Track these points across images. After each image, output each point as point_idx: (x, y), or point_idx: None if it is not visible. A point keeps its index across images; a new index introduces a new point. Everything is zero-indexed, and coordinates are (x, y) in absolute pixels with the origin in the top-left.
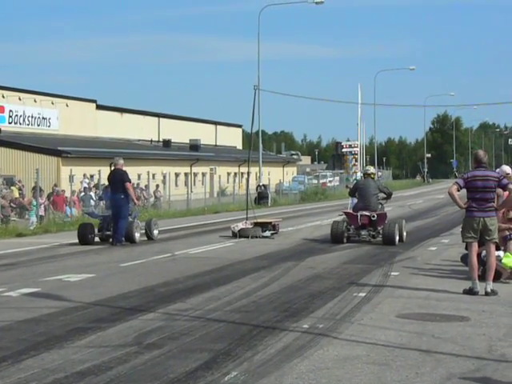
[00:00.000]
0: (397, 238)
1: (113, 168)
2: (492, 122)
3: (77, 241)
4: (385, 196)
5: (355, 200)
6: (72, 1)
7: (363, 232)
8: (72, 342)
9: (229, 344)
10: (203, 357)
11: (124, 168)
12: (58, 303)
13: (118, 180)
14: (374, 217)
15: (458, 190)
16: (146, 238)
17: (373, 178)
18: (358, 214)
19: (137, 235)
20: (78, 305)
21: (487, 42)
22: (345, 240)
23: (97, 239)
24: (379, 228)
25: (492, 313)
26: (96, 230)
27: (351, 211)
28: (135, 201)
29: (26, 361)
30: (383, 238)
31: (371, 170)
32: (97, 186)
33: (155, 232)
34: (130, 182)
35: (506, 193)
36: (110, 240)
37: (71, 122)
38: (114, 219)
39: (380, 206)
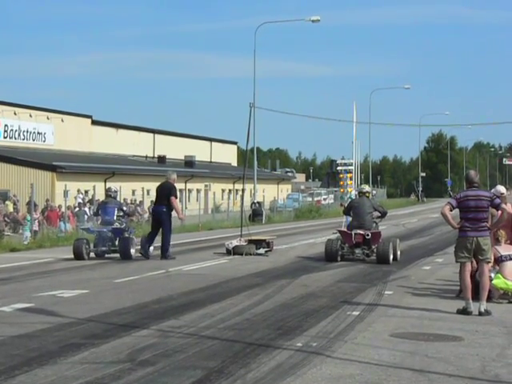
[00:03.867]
0: (391, 256)
1: (164, 180)
2: (487, 142)
3: (71, 256)
4: (379, 215)
5: (349, 218)
6: (69, 16)
7: (357, 250)
8: (65, 358)
9: (222, 361)
10: (196, 374)
11: (176, 184)
12: (52, 319)
13: (164, 193)
14: (368, 235)
15: (451, 210)
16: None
17: (368, 197)
18: (353, 232)
19: (132, 251)
20: (72, 321)
21: (482, 62)
22: (339, 258)
23: (92, 255)
24: (373, 246)
25: (485, 333)
26: (92, 246)
27: (345, 229)
28: (180, 215)
29: (19, 376)
30: (377, 257)
31: (366, 188)
32: (91, 202)
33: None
34: (176, 197)
35: (500, 212)
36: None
37: (66, 137)
38: (153, 231)
39: (374, 224)
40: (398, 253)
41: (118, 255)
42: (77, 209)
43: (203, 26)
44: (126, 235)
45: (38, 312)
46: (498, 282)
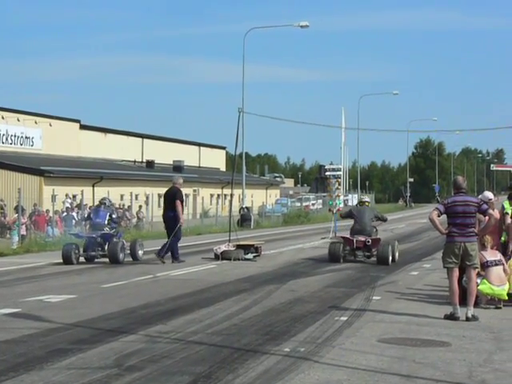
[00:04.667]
0: (390, 258)
1: (170, 186)
2: (474, 148)
3: (58, 261)
4: (380, 222)
5: (338, 223)
6: (57, 21)
7: (358, 253)
8: (52, 364)
9: (210, 367)
10: (184, 380)
11: (181, 188)
12: (39, 324)
13: (170, 197)
14: (368, 242)
15: (439, 216)
16: (130, 259)
17: (367, 206)
18: (354, 238)
19: (121, 256)
20: (59, 326)
21: (470, 68)
22: (341, 260)
23: (82, 259)
24: (373, 249)
25: (473, 338)
26: (81, 250)
27: (348, 235)
28: (181, 219)
29: (5, 382)
30: (377, 259)
31: (366, 198)
32: (79, 206)
33: (140, 252)
34: (182, 201)
35: (487, 218)
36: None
37: (54, 142)
38: (168, 237)
39: (375, 230)
40: (397, 254)
41: (107, 259)
42: (64, 213)
43: (192, 31)
44: (115, 240)
45: (24, 317)
46: (484, 287)
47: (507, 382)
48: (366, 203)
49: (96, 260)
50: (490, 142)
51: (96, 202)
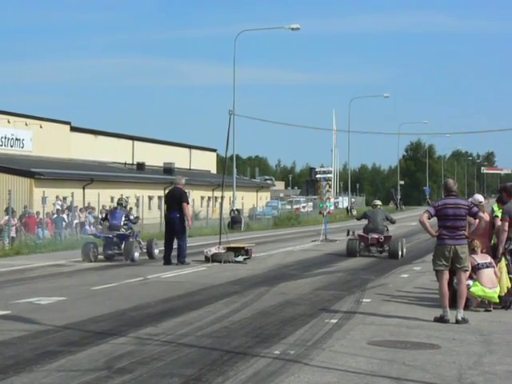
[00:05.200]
0: (400, 253)
1: (173, 186)
2: (465, 151)
3: (48, 263)
4: (390, 222)
5: (328, 226)
6: (48, 22)
7: (372, 248)
8: (42, 366)
9: (199, 369)
10: (174, 382)
11: (185, 188)
12: (29, 326)
13: (176, 198)
14: (381, 239)
15: (429, 218)
16: (147, 257)
17: (380, 208)
18: (369, 236)
19: (136, 254)
20: (49, 328)
21: (460, 71)
22: (357, 254)
23: (100, 257)
24: (385, 246)
25: (462, 341)
26: (100, 249)
27: (363, 233)
28: (189, 222)
29: None
30: (389, 253)
31: (378, 202)
32: (69, 208)
33: (156, 251)
34: (188, 203)
35: (477, 221)
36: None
37: (45, 144)
38: (168, 238)
39: (386, 228)
40: (404, 250)
41: (123, 258)
42: (55, 215)
43: (183, 33)
44: (131, 240)
45: (14, 319)
46: (476, 289)
47: None
48: (379, 206)
49: (114, 258)
50: (481, 145)
51: (86, 204)
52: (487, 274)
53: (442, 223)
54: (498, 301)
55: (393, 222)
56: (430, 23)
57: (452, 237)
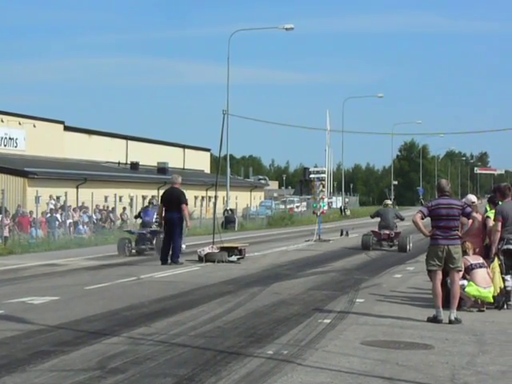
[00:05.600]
0: (408, 247)
1: (170, 186)
2: (458, 151)
3: (41, 263)
4: (399, 219)
5: (322, 226)
6: (42, 22)
7: (384, 243)
8: (35, 366)
9: (193, 369)
10: (167, 382)
11: (181, 187)
12: (21, 326)
13: (174, 199)
14: (392, 234)
15: (422, 219)
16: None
17: (390, 207)
18: (381, 232)
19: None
20: (42, 328)
21: (454, 72)
22: (371, 248)
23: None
24: (395, 240)
25: (455, 341)
26: (133, 244)
27: (376, 230)
28: (188, 223)
29: None
30: (399, 247)
31: (388, 202)
32: (63, 208)
33: (183, 246)
34: (187, 204)
35: (470, 221)
36: (169, 260)
37: (38, 143)
38: (168, 238)
39: (396, 225)
40: (411, 245)
41: (154, 252)
42: (48, 215)
43: (177, 32)
44: (162, 236)
45: (7, 319)
46: (471, 289)
47: None
48: (389, 205)
49: (145, 253)
50: (474, 146)
51: (80, 204)
52: (481, 273)
53: (435, 223)
54: (492, 301)
55: (402, 219)
56: (424, 23)
57: (445, 237)
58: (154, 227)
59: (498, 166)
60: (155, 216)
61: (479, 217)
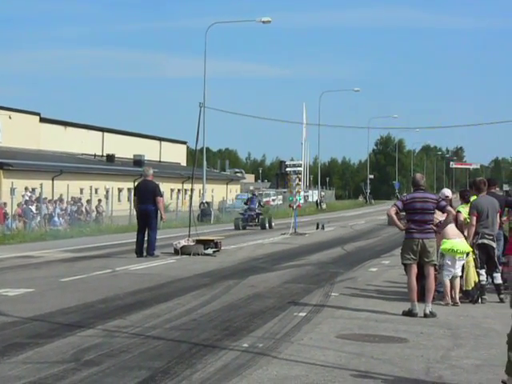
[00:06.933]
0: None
1: (142, 178)
2: (434, 145)
3: (16, 254)
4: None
5: (298, 219)
6: (18, 12)
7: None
8: (8, 358)
9: (168, 362)
10: (141, 375)
11: (155, 180)
12: None
13: (149, 191)
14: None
15: (397, 213)
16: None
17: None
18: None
19: (267, 225)
20: (16, 320)
21: (431, 66)
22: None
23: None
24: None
25: (430, 335)
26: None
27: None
28: (163, 216)
29: None
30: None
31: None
32: (38, 200)
33: (273, 224)
34: (162, 197)
35: (445, 215)
36: (144, 254)
37: (14, 134)
38: (142, 231)
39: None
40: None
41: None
42: (24, 206)
43: (153, 25)
44: (262, 216)
45: None
46: (445, 245)
47: (464, 378)
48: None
49: (250, 228)
50: (450, 140)
51: (56, 196)
52: (450, 227)
53: (410, 217)
54: (471, 249)
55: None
56: (400, 18)
57: (420, 231)
58: (258, 211)
59: (474, 161)
60: (257, 203)
61: (454, 211)
